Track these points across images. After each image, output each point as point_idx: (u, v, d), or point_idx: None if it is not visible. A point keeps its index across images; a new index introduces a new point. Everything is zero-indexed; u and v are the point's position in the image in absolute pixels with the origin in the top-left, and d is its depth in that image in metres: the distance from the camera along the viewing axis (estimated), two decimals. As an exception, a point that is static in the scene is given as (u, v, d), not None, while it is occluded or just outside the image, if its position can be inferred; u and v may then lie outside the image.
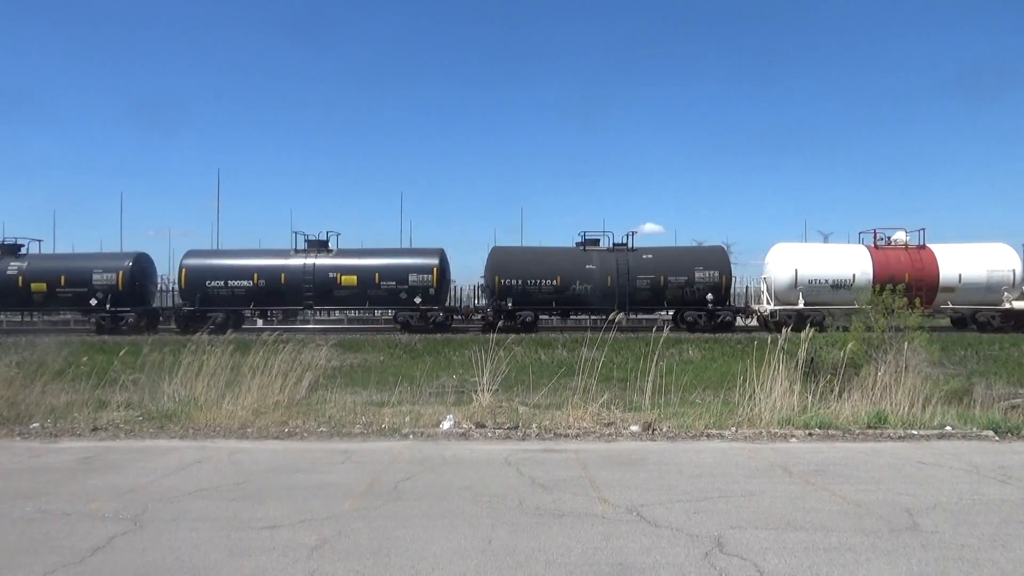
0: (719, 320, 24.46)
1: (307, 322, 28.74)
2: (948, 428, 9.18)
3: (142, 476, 6.89)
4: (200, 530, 5.17)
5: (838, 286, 24.35)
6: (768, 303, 25.22)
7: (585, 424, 9.34)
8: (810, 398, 9.89)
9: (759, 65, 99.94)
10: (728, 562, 4.48)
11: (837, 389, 10.13)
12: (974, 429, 9.10)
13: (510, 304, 24.52)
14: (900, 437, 8.86)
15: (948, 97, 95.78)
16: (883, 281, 24.28)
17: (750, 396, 9.83)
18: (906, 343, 10.95)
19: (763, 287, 25.85)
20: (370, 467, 7.27)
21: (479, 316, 25.89)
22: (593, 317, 26.86)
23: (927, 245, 25.24)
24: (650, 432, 9.02)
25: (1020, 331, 23.35)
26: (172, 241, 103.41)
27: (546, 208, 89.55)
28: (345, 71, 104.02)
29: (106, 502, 5.93)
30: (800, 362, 10.53)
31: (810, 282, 24.48)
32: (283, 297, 25.38)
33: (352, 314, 29.92)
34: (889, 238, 25.62)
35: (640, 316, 27.15)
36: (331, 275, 25.05)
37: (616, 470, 7.08)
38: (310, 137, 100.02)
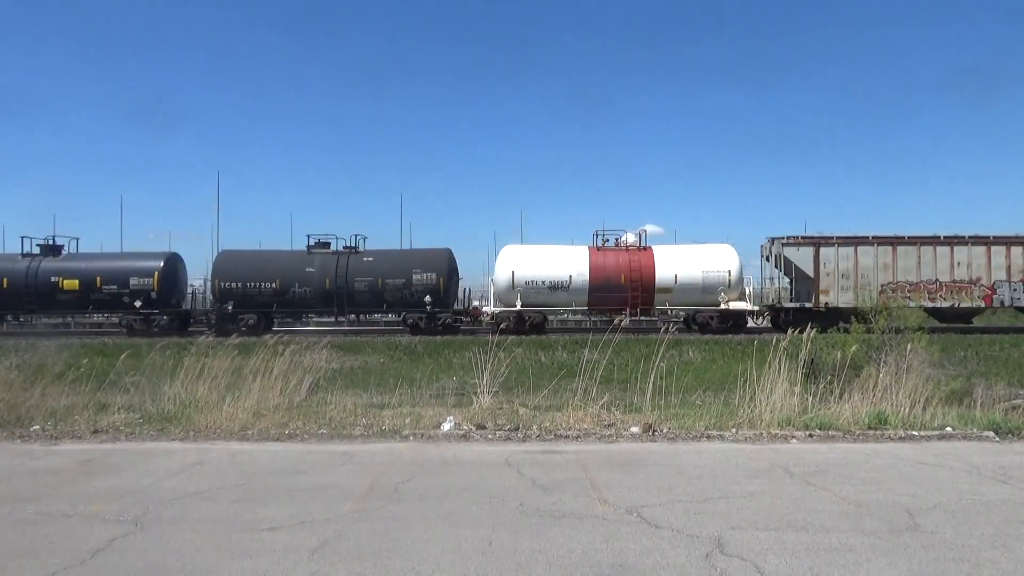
0: (440, 322, 24.84)
1: (35, 326, 28.80)
2: (948, 429, 9.17)
3: (143, 478, 6.90)
4: (201, 532, 5.17)
5: (555, 287, 24.87)
6: (493, 305, 25.67)
7: (585, 425, 9.33)
8: (810, 399, 9.88)
9: (759, 67, 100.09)
10: (728, 563, 4.48)
11: (837, 390, 10.12)
12: (974, 430, 9.09)
13: (231, 307, 25.03)
14: (900, 438, 8.85)
15: (947, 97, 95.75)
16: (600, 282, 24.95)
17: (750, 397, 9.83)
18: (908, 345, 10.95)
19: (490, 288, 26.29)
20: (371, 469, 7.27)
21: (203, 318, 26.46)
22: (319, 319, 27.74)
23: (649, 246, 25.80)
24: (650, 433, 9.02)
25: (739, 331, 23.92)
26: (172, 244, 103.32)
27: (548, 209, 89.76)
28: (345, 72, 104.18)
29: (107, 504, 5.93)
30: (801, 363, 10.52)
31: (527, 283, 24.94)
32: (7, 302, 25.60)
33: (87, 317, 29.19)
34: (617, 239, 26.26)
35: (363, 317, 27.82)
36: (53, 279, 25.22)
37: (616, 471, 7.08)
38: (310, 138, 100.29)
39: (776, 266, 26.54)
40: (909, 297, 24.43)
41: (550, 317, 26.72)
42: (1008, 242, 24.73)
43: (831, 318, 24.00)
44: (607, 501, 5.94)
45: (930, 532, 5.10)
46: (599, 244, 25.94)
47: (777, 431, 9.06)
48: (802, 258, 25.03)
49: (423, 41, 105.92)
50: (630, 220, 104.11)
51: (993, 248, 24.68)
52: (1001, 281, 24.60)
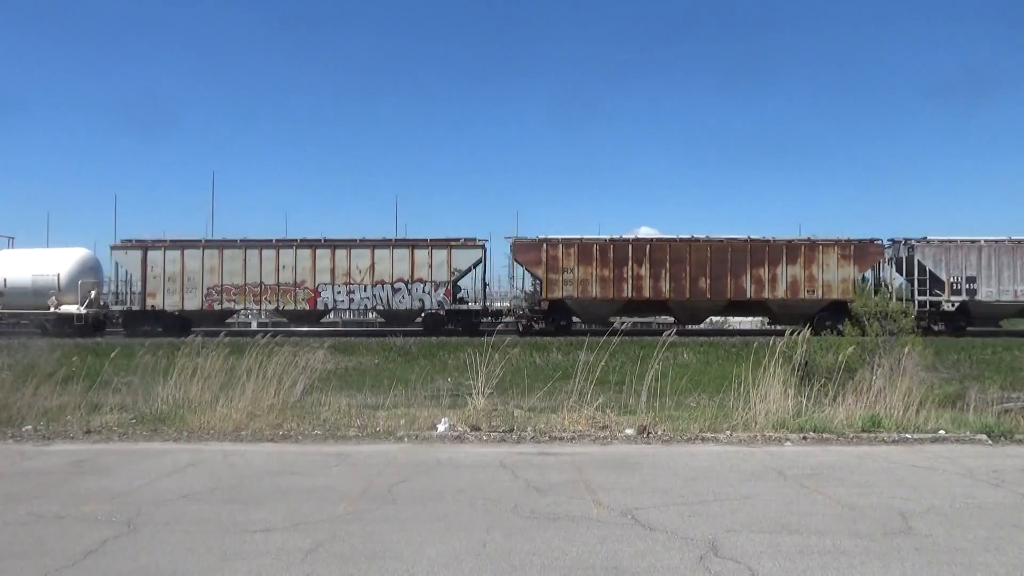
0: None
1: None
2: (942, 432, 9.20)
3: (135, 479, 6.86)
4: (193, 533, 5.15)
5: None
6: None
7: (580, 427, 9.33)
8: (804, 402, 9.90)
9: (749, 71, 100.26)
10: (723, 565, 4.48)
11: (831, 393, 10.15)
12: (967, 433, 9.13)
13: None
14: (894, 441, 8.88)
15: (935, 101, 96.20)
16: None
17: (745, 400, 9.84)
18: (907, 348, 10.97)
19: None
20: (365, 470, 7.25)
21: None
22: None
23: None
24: (645, 435, 9.02)
25: (62, 334, 24.03)
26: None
27: (543, 212, 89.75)
28: (338, 75, 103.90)
29: (99, 505, 5.90)
30: (795, 366, 10.54)
31: None
32: None
33: None
34: None
35: None
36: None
37: (611, 473, 7.08)
38: (304, 140, 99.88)
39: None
40: (234, 300, 25.08)
41: None
42: (334, 245, 25.20)
43: (161, 321, 24.81)
44: (601, 503, 5.94)
45: (923, 535, 5.11)
46: None
47: (771, 434, 9.07)
48: (131, 262, 25.37)
49: (417, 42, 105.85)
50: (626, 221, 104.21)
51: (319, 251, 25.12)
52: (325, 284, 24.99)
